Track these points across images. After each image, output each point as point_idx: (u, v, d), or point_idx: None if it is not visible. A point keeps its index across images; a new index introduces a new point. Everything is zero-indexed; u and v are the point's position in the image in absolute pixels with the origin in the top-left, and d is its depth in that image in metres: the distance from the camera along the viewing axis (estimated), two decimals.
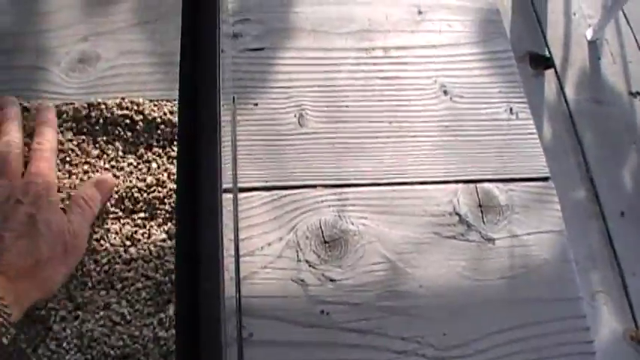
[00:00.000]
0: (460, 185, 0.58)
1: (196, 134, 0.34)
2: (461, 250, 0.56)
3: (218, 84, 0.35)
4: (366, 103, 0.60)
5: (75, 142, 0.56)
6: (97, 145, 0.56)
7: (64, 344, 0.47)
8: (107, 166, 0.55)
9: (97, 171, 0.55)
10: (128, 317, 0.49)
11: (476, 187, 0.58)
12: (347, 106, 0.60)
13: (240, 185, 0.56)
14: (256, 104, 0.59)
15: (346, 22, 0.65)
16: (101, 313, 0.49)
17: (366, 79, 0.61)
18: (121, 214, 0.53)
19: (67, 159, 0.55)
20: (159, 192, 0.54)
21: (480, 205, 0.57)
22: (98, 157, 0.56)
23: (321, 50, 0.63)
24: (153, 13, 0.65)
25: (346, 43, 0.63)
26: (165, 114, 0.57)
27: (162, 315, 0.49)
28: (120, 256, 0.51)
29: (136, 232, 0.52)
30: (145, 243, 0.52)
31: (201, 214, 0.32)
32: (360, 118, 0.60)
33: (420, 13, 0.67)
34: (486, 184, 0.58)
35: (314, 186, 0.56)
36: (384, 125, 0.60)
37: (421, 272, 0.54)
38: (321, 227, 0.55)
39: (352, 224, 0.55)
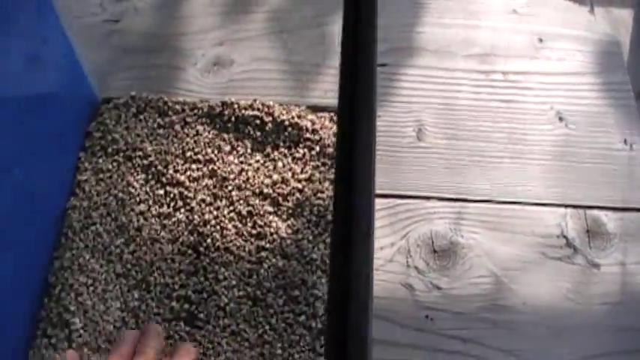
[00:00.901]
0: (569, 210, 0.66)
1: (354, 143, 0.41)
2: (566, 273, 0.64)
3: (374, 96, 0.44)
4: (484, 123, 0.70)
5: (208, 137, 0.68)
6: (228, 141, 0.68)
7: None
8: (236, 161, 0.67)
9: (229, 165, 0.66)
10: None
11: (585, 213, 0.66)
12: (465, 125, 0.69)
13: None
14: (379, 116, 0.70)
15: (469, 45, 0.74)
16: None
17: (484, 101, 0.71)
18: (249, 208, 0.64)
19: (202, 152, 0.67)
20: (283, 189, 0.65)
21: (588, 231, 0.66)
22: (229, 152, 0.67)
23: (442, 70, 0.73)
24: (286, 25, 0.76)
25: (467, 64, 0.73)
26: (293, 117, 0.68)
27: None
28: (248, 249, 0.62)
29: (259, 227, 0.63)
30: (271, 234, 0.63)
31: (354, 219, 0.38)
32: (477, 138, 0.69)
33: (540, 41, 0.76)
34: (596, 211, 0.67)
35: (428, 198, 0.66)
36: (499, 146, 0.69)
37: (525, 290, 0.63)
38: (432, 237, 0.64)
39: (462, 237, 0.65)
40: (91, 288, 0.62)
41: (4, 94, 0.56)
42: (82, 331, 0.60)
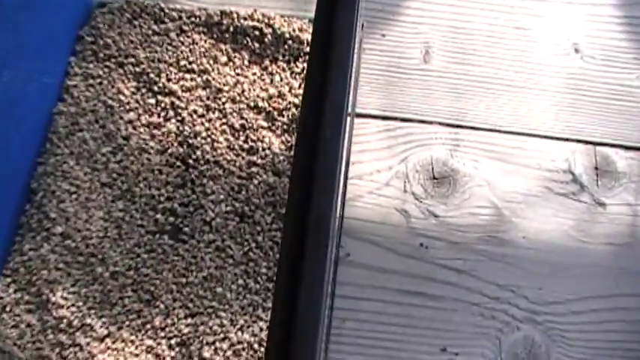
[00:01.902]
0: (579, 145, 0.63)
1: (329, 53, 0.37)
2: (570, 210, 0.60)
3: (357, 6, 0.41)
4: (495, 49, 0.66)
5: (204, 46, 0.64)
6: (225, 52, 0.64)
7: None
8: (232, 73, 0.63)
9: (224, 77, 0.63)
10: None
11: (595, 149, 0.63)
12: (474, 50, 0.65)
13: (357, 111, 0.62)
14: (384, 35, 0.66)
15: None
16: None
17: (499, 26, 0.67)
18: (242, 121, 0.61)
19: (196, 61, 0.63)
20: (279, 104, 0.62)
21: (597, 168, 0.62)
22: (225, 63, 0.64)
23: None
24: None
25: None
26: (294, 30, 0.64)
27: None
28: (238, 164, 0.59)
29: (252, 142, 0.60)
30: (263, 150, 0.59)
31: (323, 134, 0.34)
32: (487, 64, 0.65)
33: None
34: (606, 148, 0.63)
35: (430, 122, 0.63)
36: (509, 74, 0.65)
37: (526, 224, 0.60)
38: (432, 163, 0.61)
39: (464, 165, 0.61)
40: (74, 196, 0.59)
41: None
42: (62, 239, 0.57)
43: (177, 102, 0.61)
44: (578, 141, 0.62)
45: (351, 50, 0.37)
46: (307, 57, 0.56)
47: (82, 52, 0.65)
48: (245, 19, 0.64)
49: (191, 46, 0.63)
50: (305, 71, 0.46)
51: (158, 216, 0.58)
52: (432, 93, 0.62)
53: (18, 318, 0.55)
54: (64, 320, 0.54)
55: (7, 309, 0.55)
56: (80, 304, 0.55)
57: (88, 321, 0.54)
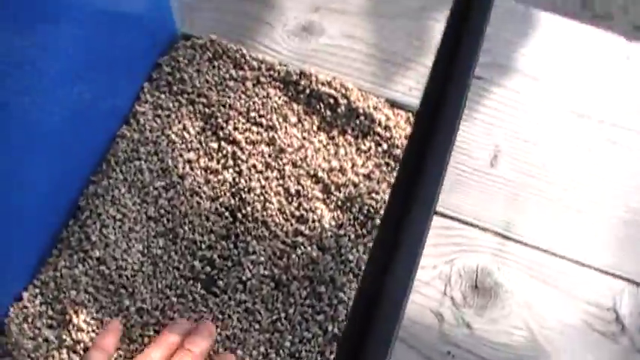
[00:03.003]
0: (630, 285, 0.62)
1: (428, 151, 0.38)
2: (606, 350, 0.60)
3: (461, 109, 0.41)
4: (564, 169, 0.65)
5: (277, 102, 0.64)
6: (296, 113, 0.65)
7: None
8: (299, 135, 0.64)
9: (290, 137, 0.63)
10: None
11: None
12: (543, 164, 0.65)
13: None
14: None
15: (570, 83, 0.70)
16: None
17: (573, 147, 0.66)
18: (299, 187, 0.61)
19: (266, 116, 0.64)
20: (338, 178, 0.62)
21: None
22: (294, 124, 0.64)
23: (534, 98, 0.68)
24: (388, 9, 0.72)
25: (564, 101, 0.68)
26: (368, 107, 0.64)
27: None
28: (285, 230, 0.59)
29: (303, 210, 0.60)
30: (313, 222, 0.60)
31: (408, 227, 0.35)
32: (552, 181, 0.64)
33: None
34: None
35: (484, 229, 0.62)
36: (572, 196, 0.64)
37: (559, 355, 0.59)
38: (477, 271, 0.61)
39: (508, 280, 0.61)
40: (118, 223, 0.60)
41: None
42: (97, 263, 0.58)
43: (238, 152, 0.62)
44: (629, 281, 0.61)
45: (451, 145, 0.37)
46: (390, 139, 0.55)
47: (157, 80, 0.65)
48: (323, 84, 0.64)
49: (264, 100, 0.64)
50: (403, 155, 0.48)
51: (195, 263, 0.58)
52: (491, 199, 0.62)
53: (37, 331, 0.56)
54: (81, 344, 0.55)
55: (29, 320, 0.56)
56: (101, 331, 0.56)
57: None
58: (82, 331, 0.56)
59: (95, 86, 0.59)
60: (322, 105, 0.64)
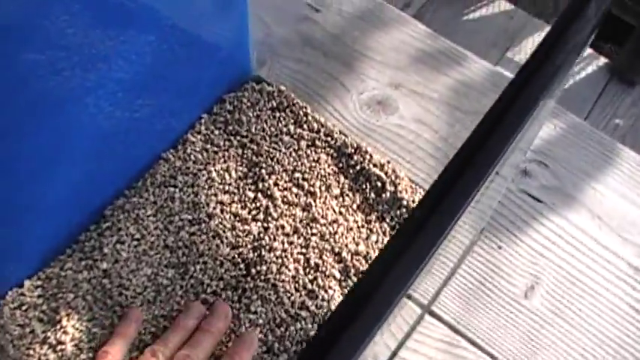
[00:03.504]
0: None
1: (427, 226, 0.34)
2: None
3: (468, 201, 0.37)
4: (601, 323, 0.61)
5: (325, 170, 0.63)
6: (340, 186, 0.63)
7: None
8: (336, 209, 0.62)
9: (327, 209, 0.62)
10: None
11: None
12: (579, 310, 0.61)
13: (432, 309, 0.60)
14: (500, 247, 0.63)
15: (636, 227, 0.66)
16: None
17: (619, 301, 0.62)
18: (319, 262, 0.60)
19: (310, 180, 0.63)
20: (361, 264, 0.60)
21: None
22: (334, 197, 0.63)
23: (592, 240, 0.64)
24: (466, 104, 0.71)
25: (622, 250, 0.64)
26: (414, 200, 0.62)
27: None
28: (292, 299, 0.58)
29: (317, 286, 0.59)
30: (322, 300, 0.58)
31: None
32: (578, 325, 0.61)
33: None
34: None
35: (494, 358, 0.59)
36: (596, 348, 0.60)
37: None
38: None
39: None
40: (135, 243, 0.60)
41: (166, 18, 0.54)
42: (103, 275, 0.58)
43: (271, 209, 0.61)
44: None
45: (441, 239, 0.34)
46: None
47: (217, 115, 0.66)
48: (375, 165, 0.63)
49: (313, 163, 0.63)
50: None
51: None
52: (513, 331, 0.59)
53: (27, 321, 0.56)
54: (64, 345, 0.55)
55: (23, 308, 0.56)
56: (85, 340, 0.56)
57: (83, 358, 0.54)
58: (68, 334, 0.55)
59: (157, 102, 0.59)
60: (369, 185, 0.63)
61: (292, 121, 0.66)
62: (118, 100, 0.56)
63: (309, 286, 0.59)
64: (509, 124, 0.37)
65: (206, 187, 0.62)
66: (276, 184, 0.63)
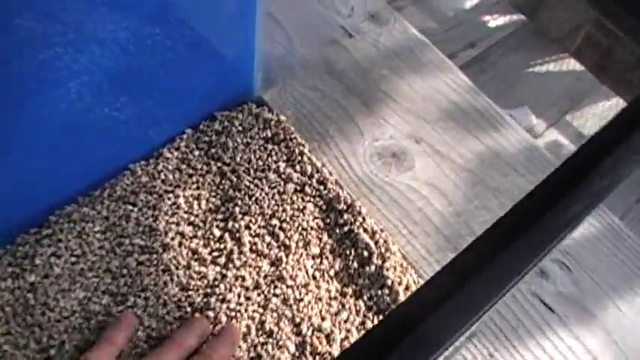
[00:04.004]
0: None
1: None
2: None
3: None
4: None
5: (308, 223, 0.55)
6: (319, 245, 0.55)
7: None
8: (310, 272, 0.54)
9: (298, 270, 0.53)
10: None
11: None
12: None
13: None
14: (492, 356, 0.53)
15: None
16: None
17: None
18: (275, 329, 0.51)
19: (288, 232, 0.54)
20: (321, 345, 0.51)
21: None
22: (312, 257, 0.54)
23: None
24: (491, 178, 0.61)
25: None
26: (400, 283, 0.54)
27: None
28: None
29: (265, 352, 0.50)
30: None
31: None
32: None
33: None
34: None
35: None
36: None
37: None
38: None
39: None
40: (72, 259, 0.52)
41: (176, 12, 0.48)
42: (28, 288, 0.51)
43: (236, 254, 0.53)
44: None
45: None
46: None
47: (202, 132, 0.58)
48: (366, 230, 0.54)
49: (296, 212, 0.54)
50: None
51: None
52: None
53: None
54: None
55: None
56: None
57: None
58: None
59: (140, 104, 0.53)
60: (354, 252, 0.54)
61: (284, 158, 0.57)
62: (101, 91, 0.49)
63: (257, 350, 0.50)
64: (557, 220, 0.27)
65: (169, 212, 0.54)
66: (247, 227, 0.54)
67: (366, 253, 0.54)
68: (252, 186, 0.56)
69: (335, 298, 0.53)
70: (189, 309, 0.52)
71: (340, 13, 0.71)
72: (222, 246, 0.54)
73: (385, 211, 0.58)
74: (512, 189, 0.61)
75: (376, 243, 0.54)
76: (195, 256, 0.54)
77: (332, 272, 0.54)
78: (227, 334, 0.49)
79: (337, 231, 0.55)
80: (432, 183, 0.61)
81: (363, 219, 0.55)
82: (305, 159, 0.57)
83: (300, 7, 0.71)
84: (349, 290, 0.54)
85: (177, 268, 0.53)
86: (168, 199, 0.55)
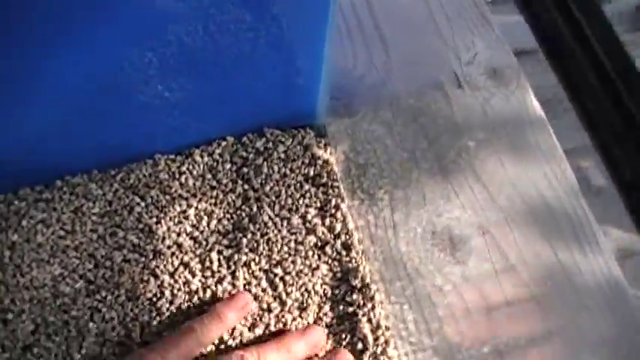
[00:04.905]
0: None
1: None
2: None
3: None
4: None
5: (315, 287, 0.50)
6: (316, 316, 0.48)
7: None
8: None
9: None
10: None
11: None
12: None
13: None
14: None
15: None
16: None
17: None
18: None
19: (288, 283, 0.49)
20: None
21: None
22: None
23: None
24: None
25: None
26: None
27: None
28: None
29: None
30: None
31: None
32: None
33: None
34: None
35: None
36: None
37: None
38: None
39: None
40: (60, 233, 0.51)
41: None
42: (7, 246, 0.50)
43: (225, 284, 0.48)
44: None
45: None
46: None
47: (242, 146, 0.54)
48: (370, 321, 0.48)
49: (306, 270, 0.49)
50: None
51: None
52: None
53: None
54: None
55: None
56: None
57: None
58: None
59: (194, 92, 0.48)
60: (348, 339, 0.49)
61: (318, 205, 0.51)
62: (165, 65, 0.45)
63: None
64: None
65: (175, 219, 0.50)
66: (248, 265, 0.49)
67: (360, 346, 0.47)
68: (270, 223, 0.50)
69: None
70: (158, 318, 0.47)
71: (459, 57, 0.63)
72: (215, 274, 0.49)
73: (404, 305, 0.50)
74: (571, 329, 0.51)
75: (375, 340, 0.47)
76: (184, 273, 0.49)
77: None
78: (237, 299, 0.47)
79: (341, 308, 0.48)
80: (480, 288, 0.53)
81: (373, 307, 0.48)
82: (339, 215, 0.51)
83: (416, 35, 0.63)
84: None
85: (162, 274, 0.48)
86: (180, 205, 0.50)
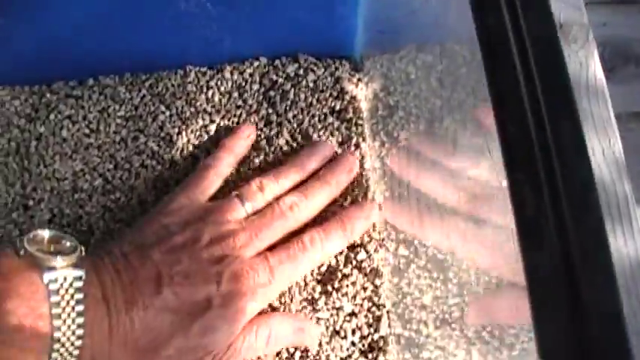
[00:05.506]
0: None
1: None
2: None
3: None
4: None
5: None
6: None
7: None
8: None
9: None
10: None
11: None
12: None
13: None
14: None
15: None
16: None
17: None
18: None
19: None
20: None
21: None
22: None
23: None
24: None
25: None
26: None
27: None
28: None
29: None
30: None
31: None
32: None
33: None
34: None
35: None
36: None
37: None
38: None
39: None
40: (85, 131, 0.52)
41: None
42: (35, 138, 0.52)
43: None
44: None
45: None
46: None
47: (276, 69, 0.53)
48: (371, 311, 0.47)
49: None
50: None
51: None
52: None
53: None
54: None
55: None
56: None
57: None
58: None
59: (236, 5, 0.49)
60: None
61: (338, 140, 0.50)
62: None
63: None
64: None
65: (196, 133, 0.51)
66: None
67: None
68: (286, 147, 0.50)
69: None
70: None
71: None
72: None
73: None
74: None
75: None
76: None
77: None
78: (345, 162, 0.48)
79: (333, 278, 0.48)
80: None
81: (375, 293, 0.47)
82: (357, 153, 0.50)
83: None
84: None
85: (174, 185, 0.49)
86: (203, 119, 0.51)
